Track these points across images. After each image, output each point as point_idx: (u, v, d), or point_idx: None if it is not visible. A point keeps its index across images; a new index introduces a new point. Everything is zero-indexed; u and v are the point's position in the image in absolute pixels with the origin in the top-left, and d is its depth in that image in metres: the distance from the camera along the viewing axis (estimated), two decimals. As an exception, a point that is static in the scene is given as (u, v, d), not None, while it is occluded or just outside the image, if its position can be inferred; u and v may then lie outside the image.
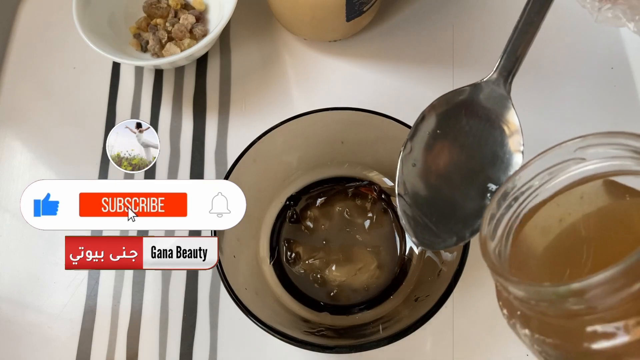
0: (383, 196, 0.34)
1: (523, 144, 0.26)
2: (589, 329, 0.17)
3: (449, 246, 0.25)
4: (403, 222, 0.26)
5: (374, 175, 0.34)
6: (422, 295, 0.29)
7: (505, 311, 0.22)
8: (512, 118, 0.26)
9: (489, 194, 0.25)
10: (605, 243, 0.22)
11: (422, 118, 0.26)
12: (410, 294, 0.31)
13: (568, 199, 0.23)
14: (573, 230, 0.23)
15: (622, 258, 0.16)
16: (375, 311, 0.31)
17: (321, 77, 0.40)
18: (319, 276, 0.33)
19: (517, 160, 0.25)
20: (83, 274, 0.35)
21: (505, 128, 0.26)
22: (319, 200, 0.34)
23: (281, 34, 0.41)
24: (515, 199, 0.23)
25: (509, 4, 0.41)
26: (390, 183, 0.34)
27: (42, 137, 0.40)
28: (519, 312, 0.20)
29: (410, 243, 0.33)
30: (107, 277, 0.35)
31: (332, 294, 0.32)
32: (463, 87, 0.26)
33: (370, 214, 0.34)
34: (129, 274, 0.35)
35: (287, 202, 0.34)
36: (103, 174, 0.38)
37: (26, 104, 0.41)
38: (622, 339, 0.17)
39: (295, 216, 0.34)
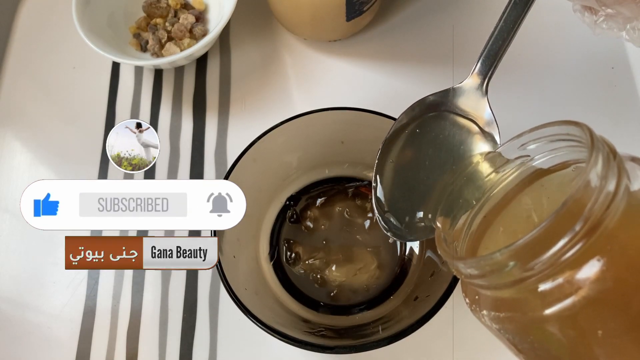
0: (383, 196, 0.34)
1: (499, 143, 0.26)
2: (535, 292, 0.18)
3: (420, 239, 0.27)
4: (376, 213, 0.27)
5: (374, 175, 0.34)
6: (422, 295, 0.29)
7: (467, 300, 0.23)
8: (490, 120, 0.27)
9: (462, 189, 0.26)
10: (540, 216, 0.23)
11: (401, 119, 0.27)
12: (410, 294, 0.31)
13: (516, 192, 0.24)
14: (518, 215, 0.24)
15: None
16: (375, 311, 0.31)
17: (321, 77, 0.40)
18: (318, 276, 0.33)
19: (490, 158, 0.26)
20: (83, 274, 0.35)
21: (483, 130, 0.27)
22: (319, 200, 0.34)
23: (281, 34, 0.41)
24: (472, 197, 0.25)
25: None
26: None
27: (42, 137, 0.40)
28: (477, 296, 0.21)
29: (410, 243, 0.33)
30: (106, 277, 0.35)
31: (332, 294, 0.32)
32: (441, 90, 0.27)
33: (370, 214, 0.34)
34: (128, 274, 0.35)
35: (287, 202, 0.34)
36: (103, 174, 0.38)
37: (26, 104, 0.41)
38: (567, 299, 0.18)
39: (295, 216, 0.34)
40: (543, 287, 0.18)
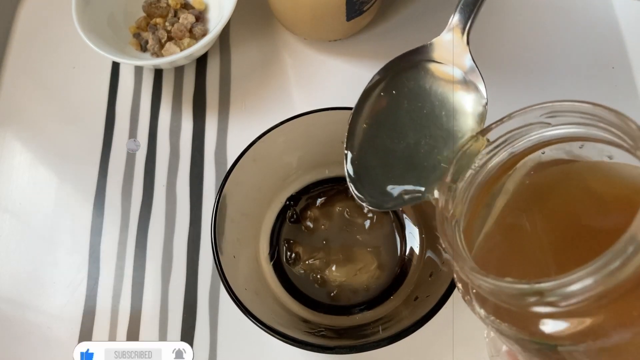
0: (383, 196, 0.34)
1: (486, 97, 0.24)
2: (546, 321, 0.17)
3: (399, 205, 0.24)
4: (348, 182, 0.25)
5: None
6: (422, 295, 0.29)
7: (460, 286, 0.20)
8: (471, 68, 0.24)
9: (445, 148, 0.24)
10: (557, 209, 0.20)
11: (375, 80, 0.25)
12: (411, 295, 0.31)
13: (526, 164, 0.22)
14: (525, 196, 0.21)
15: (576, 243, 0.16)
16: (376, 311, 0.31)
17: (321, 77, 0.40)
18: (319, 276, 0.33)
19: (479, 113, 0.24)
20: (83, 273, 0.35)
21: (466, 82, 0.24)
22: (319, 200, 0.34)
23: (281, 34, 0.41)
24: (475, 164, 0.22)
25: (509, 4, 0.41)
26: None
27: (42, 137, 0.40)
28: (474, 290, 0.19)
29: (410, 243, 0.33)
30: (106, 277, 0.35)
31: (332, 294, 0.32)
32: (418, 47, 0.26)
33: (370, 214, 0.34)
34: (128, 274, 0.35)
35: (287, 202, 0.34)
36: (102, 174, 0.38)
37: (26, 104, 0.41)
38: (585, 343, 0.16)
39: (295, 216, 0.34)
40: (561, 323, 0.16)
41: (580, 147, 0.20)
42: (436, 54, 0.25)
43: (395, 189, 0.24)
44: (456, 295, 0.26)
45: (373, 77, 0.25)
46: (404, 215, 0.33)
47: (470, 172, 0.22)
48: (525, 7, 0.41)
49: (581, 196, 0.20)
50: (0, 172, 0.39)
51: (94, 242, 0.36)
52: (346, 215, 0.34)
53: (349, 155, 0.25)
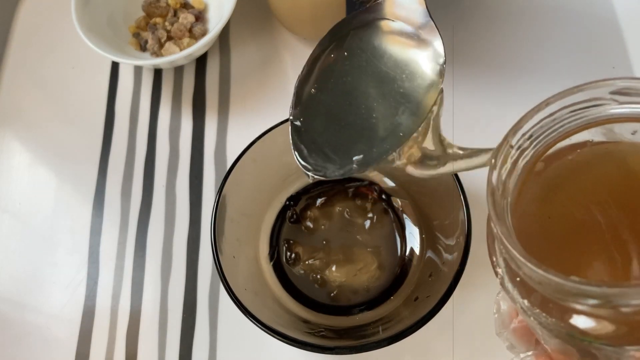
0: (383, 196, 0.34)
1: (444, 54, 0.22)
2: (601, 321, 0.15)
3: (348, 173, 0.23)
4: (293, 150, 0.23)
5: (374, 175, 0.34)
6: (422, 296, 0.29)
7: (499, 270, 0.19)
8: (429, 28, 0.23)
9: (402, 112, 0.22)
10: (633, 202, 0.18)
11: (323, 42, 0.24)
12: (411, 295, 0.31)
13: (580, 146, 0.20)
14: (592, 177, 0.19)
15: None
16: (376, 312, 0.31)
17: (321, 77, 0.40)
18: (318, 277, 0.33)
19: (437, 72, 0.22)
20: (82, 274, 0.35)
21: (422, 40, 0.23)
22: (319, 201, 0.34)
23: (281, 34, 0.41)
24: (530, 138, 0.20)
25: (509, 4, 0.41)
26: (390, 183, 0.34)
27: (41, 137, 0.40)
28: (518, 279, 0.18)
29: (410, 243, 0.33)
30: (106, 277, 0.35)
31: (332, 294, 0.32)
32: (370, 5, 0.24)
33: (370, 214, 0.34)
34: (128, 274, 0.35)
35: (287, 202, 0.34)
36: (102, 173, 0.38)
37: (25, 104, 0.41)
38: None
39: (295, 216, 0.34)
40: (620, 327, 0.15)
41: (632, 134, 0.19)
42: (388, 11, 0.23)
43: (345, 157, 0.23)
44: (456, 295, 0.26)
45: (322, 40, 0.24)
46: (404, 216, 0.33)
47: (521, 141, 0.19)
48: (526, 7, 0.41)
49: None
50: (-1, 172, 0.39)
51: (93, 242, 0.36)
52: (346, 216, 0.34)
53: (295, 123, 0.23)
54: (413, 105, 0.22)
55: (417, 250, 0.32)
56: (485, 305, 0.32)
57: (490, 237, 0.19)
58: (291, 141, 0.23)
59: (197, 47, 0.36)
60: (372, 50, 0.23)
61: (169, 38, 0.40)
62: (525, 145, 0.20)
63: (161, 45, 0.40)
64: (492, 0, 0.41)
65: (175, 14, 0.41)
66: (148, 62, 0.37)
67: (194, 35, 0.40)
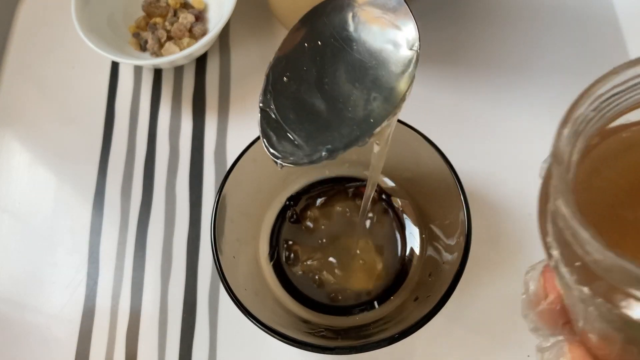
0: (383, 196, 0.34)
1: (418, 38, 0.22)
2: None
3: (317, 161, 0.22)
4: (262, 139, 0.23)
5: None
6: (422, 296, 0.29)
7: (554, 253, 0.17)
8: (403, 11, 0.22)
9: (374, 99, 0.22)
10: None
11: (295, 28, 0.23)
12: (411, 295, 0.31)
13: None
14: None
15: None
16: (376, 312, 0.31)
17: (321, 77, 0.40)
18: (318, 277, 0.33)
19: (409, 58, 0.22)
20: (82, 274, 0.35)
21: (395, 25, 0.23)
22: (319, 200, 0.34)
23: (281, 33, 0.41)
24: (603, 104, 0.18)
25: (509, 4, 0.41)
26: (390, 183, 0.34)
27: (41, 137, 0.40)
28: (578, 263, 0.16)
29: (411, 243, 0.33)
30: (106, 277, 0.35)
31: (332, 294, 0.32)
32: None
33: (370, 214, 0.34)
34: (127, 274, 0.35)
35: (287, 202, 0.34)
36: (102, 173, 0.38)
37: (25, 104, 0.41)
38: None
39: (295, 216, 0.34)
40: None
41: None
42: None
43: (315, 144, 0.22)
44: (456, 295, 0.26)
45: (294, 26, 0.23)
46: (404, 215, 0.33)
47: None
48: (525, 6, 0.41)
49: None
50: (-1, 172, 0.39)
51: (93, 242, 0.36)
52: (346, 216, 0.34)
53: (265, 110, 0.23)
54: (386, 92, 0.22)
55: (417, 250, 0.32)
56: (485, 304, 0.32)
57: (543, 216, 0.17)
58: (260, 128, 0.23)
59: (197, 47, 0.36)
60: (345, 36, 0.23)
61: (169, 38, 0.40)
62: (591, 115, 0.18)
63: (161, 45, 0.40)
64: (491, 1, 0.41)
65: (175, 13, 0.41)
66: (148, 62, 0.37)
67: (194, 35, 0.40)
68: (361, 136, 0.22)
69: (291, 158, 0.23)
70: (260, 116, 0.23)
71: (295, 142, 0.23)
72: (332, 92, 0.23)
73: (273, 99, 0.23)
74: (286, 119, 0.23)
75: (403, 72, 0.22)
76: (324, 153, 0.22)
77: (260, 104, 0.23)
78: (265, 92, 0.23)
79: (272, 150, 0.23)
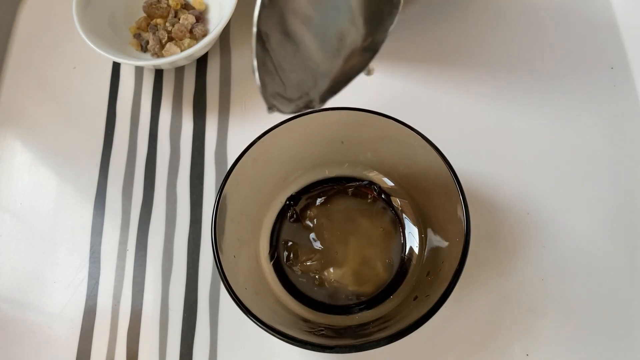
0: (383, 196, 0.34)
1: None
2: None
3: (300, 109, 0.22)
4: (260, 92, 0.22)
5: (374, 175, 0.34)
6: (421, 295, 0.29)
7: None
8: None
9: (366, 38, 0.23)
10: None
11: None
12: (410, 294, 0.31)
13: None
14: None
15: None
16: (375, 311, 0.31)
17: (321, 77, 0.40)
18: (318, 276, 0.33)
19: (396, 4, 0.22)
20: (83, 273, 0.35)
21: None
22: (319, 200, 0.34)
23: (281, 34, 0.41)
24: None
25: (509, 4, 0.41)
26: (390, 183, 0.34)
27: (43, 137, 0.40)
28: None
29: (410, 243, 0.33)
30: (107, 277, 0.35)
31: (331, 293, 0.32)
32: None
33: (370, 214, 0.34)
34: (129, 274, 0.35)
35: (287, 202, 0.34)
36: (103, 174, 0.38)
37: (26, 104, 0.41)
38: None
39: (295, 216, 0.34)
40: None
41: None
42: None
43: (308, 90, 0.22)
44: (456, 295, 0.26)
45: None
46: (404, 215, 0.33)
47: None
48: (525, 7, 0.41)
49: None
50: (0, 172, 0.39)
51: (94, 242, 0.36)
52: (346, 215, 0.34)
53: (260, 57, 0.22)
54: (375, 29, 0.23)
55: (416, 250, 0.33)
56: (485, 304, 0.33)
57: None
58: (257, 84, 0.22)
59: (198, 48, 0.37)
60: None
61: (170, 39, 0.40)
62: None
63: (162, 46, 0.40)
64: (491, 1, 0.41)
65: (176, 14, 0.41)
66: (149, 62, 0.37)
67: (194, 36, 0.40)
68: (351, 78, 0.22)
69: (286, 106, 0.22)
70: (255, 72, 0.22)
71: (290, 88, 0.22)
72: (324, 34, 0.23)
73: (267, 46, 0.22)
74: (280, 66, 0.22)
75: (393, 7, 0.23)
76: (314, 97, 0.22)
77: (254, 62, 0.22)
78: (256, 30, 0.22)
79: (270, 102, 0.22)
